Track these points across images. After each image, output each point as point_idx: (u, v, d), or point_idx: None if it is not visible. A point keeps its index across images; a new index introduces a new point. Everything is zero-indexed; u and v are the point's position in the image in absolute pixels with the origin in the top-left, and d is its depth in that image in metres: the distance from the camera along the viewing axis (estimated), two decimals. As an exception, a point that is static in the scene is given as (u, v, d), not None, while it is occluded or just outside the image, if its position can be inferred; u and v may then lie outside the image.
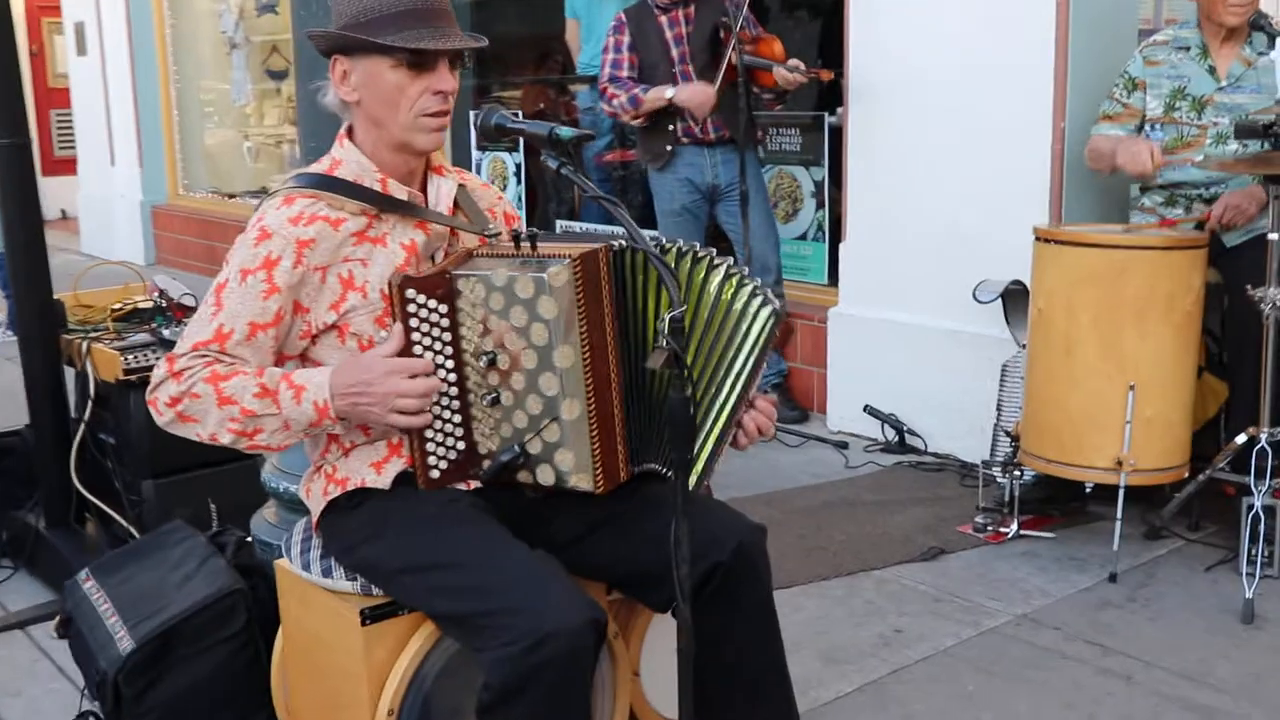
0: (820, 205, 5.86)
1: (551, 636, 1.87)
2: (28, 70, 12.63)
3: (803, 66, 4.99)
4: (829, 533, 4.04)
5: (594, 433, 2.02)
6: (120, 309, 3.92)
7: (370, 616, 2.11)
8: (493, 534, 2.05)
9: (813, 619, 3.39)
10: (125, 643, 2.50)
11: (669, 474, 2.03)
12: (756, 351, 2.05)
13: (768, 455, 4.91)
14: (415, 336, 2.05)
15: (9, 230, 3.68)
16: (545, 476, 2.06)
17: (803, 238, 5.93)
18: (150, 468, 3.61)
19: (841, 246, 5.24)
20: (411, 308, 2.04)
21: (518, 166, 7.21)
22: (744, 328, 2.04)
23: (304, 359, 2.18)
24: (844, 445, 5.01)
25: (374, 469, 2.14)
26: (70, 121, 11.32)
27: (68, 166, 11.87)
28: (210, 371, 2.04)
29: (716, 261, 2.06)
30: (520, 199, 7.20)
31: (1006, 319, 4.40)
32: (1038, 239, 3.74)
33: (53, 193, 12.64)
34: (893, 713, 2.90)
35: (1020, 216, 4.33)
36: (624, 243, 2.03)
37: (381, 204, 2.14)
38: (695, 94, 5.02)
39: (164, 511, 3.63)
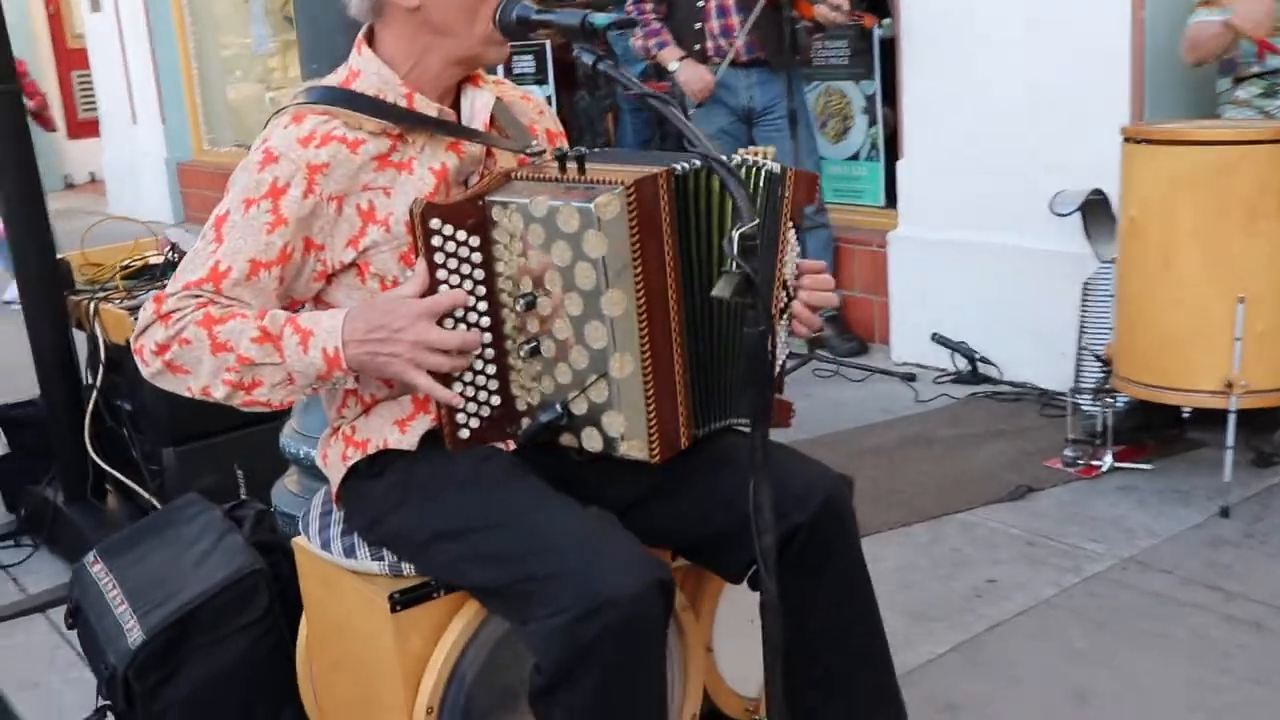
0: (872, 122, 5.49)
1: (609, 604, 1.58)
2: (45, 31, 12.38)
3: (845, 6, 4.66)
4: (905, 474, 3.73)
5: (650, 394, 1.71)
6: (129, 266, 3.64)
7: (401, 602, 1.82)
8: (534, 491, 1.75)
9: (894, 571, 3.08)
10: (135, 634, 2.23)
11: (739, 426, 1.73)
12: (770, 224, 1.77)
13: (828, 392, 4.60)
14: (441, 275, 1.74)
15: (3, 182, 3.39)
16: (591, 442, 1.76)
17: (854, 157, 5.56)
18: (170, 435, 3.34)
19: (899, 164, 4.89)
20: (437, 240, 1.73)
21: (549, 100, 6.85)
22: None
23: (318, 304, 1.88)
24: (912, 378, 4.68)
25: (398, 427, 1.84)
26: (91, 82, 11.06)
27: (92, 129, 11.62)
28: (203, 314, 1.73)
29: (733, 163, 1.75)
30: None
31: (1087, 232, 4.05)
32: (1127, 140, 3.37)
33: (79, 156, 12.43)
34: (996, 675, 2.60)
35: (1098, 119, 3.99)
36: (686, 165, 1.72)
37: (408, 122, 1.82)
38: (693, 79, 4.87)
39: (187, 481, 3.37)
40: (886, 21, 5.13)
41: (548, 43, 6.50)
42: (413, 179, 1.82)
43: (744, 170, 1.77)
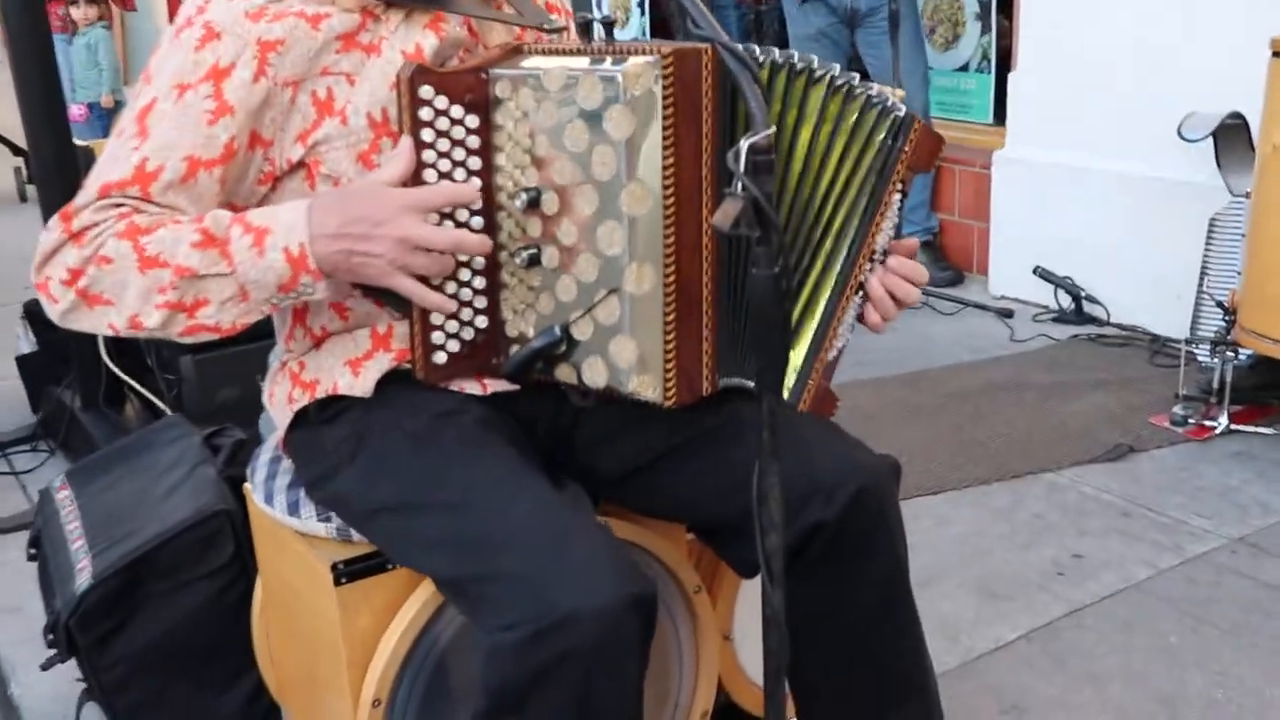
0: (985, 30, 5.00)
1: (570, 620, 1.26)
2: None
3: None
4: (991, 423, 3.34)
5: (671, 317, 1.38)
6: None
7: (346, 573, 1.53)
8: (498, 463, 1.43)
9: (966, 537, 2.72)
10: (84, 576, 1.98)
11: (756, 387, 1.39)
12: (874, 178, 1.42)
13: (915, 325, 4.21)
14: (428, 157, 1.42)
15: (15, 53, 3.12)
16: (594, 374, 1.43)
17: (964, 69, 5.08)
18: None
19: (1011, 77, 4.45)
20: (427, 113, 1.41)
21: (640, -3, 6.44)
22: (855, 150, 1.41)
23: None
24: (1009, 314, 4.28)
25: (350, 369, 1.53)
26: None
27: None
28: (126, 224, 1.40)
29: (819, 72, 1.40)
30: (644, 34, 6.44)
31: (1218, 161, 3.58)
32: (1276, 54, 2.89)
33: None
34: (1070, 671, 2.24)
35: (1240, 30, 3.49)
36: (776, 51, 1.39)
37: None
38: None
39: (206, 393, 3.14)
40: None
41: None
42: (381, 63, 1.48)
43: (863, 101, 1.41)
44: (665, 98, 1.33)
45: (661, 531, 1.69)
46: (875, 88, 1.42)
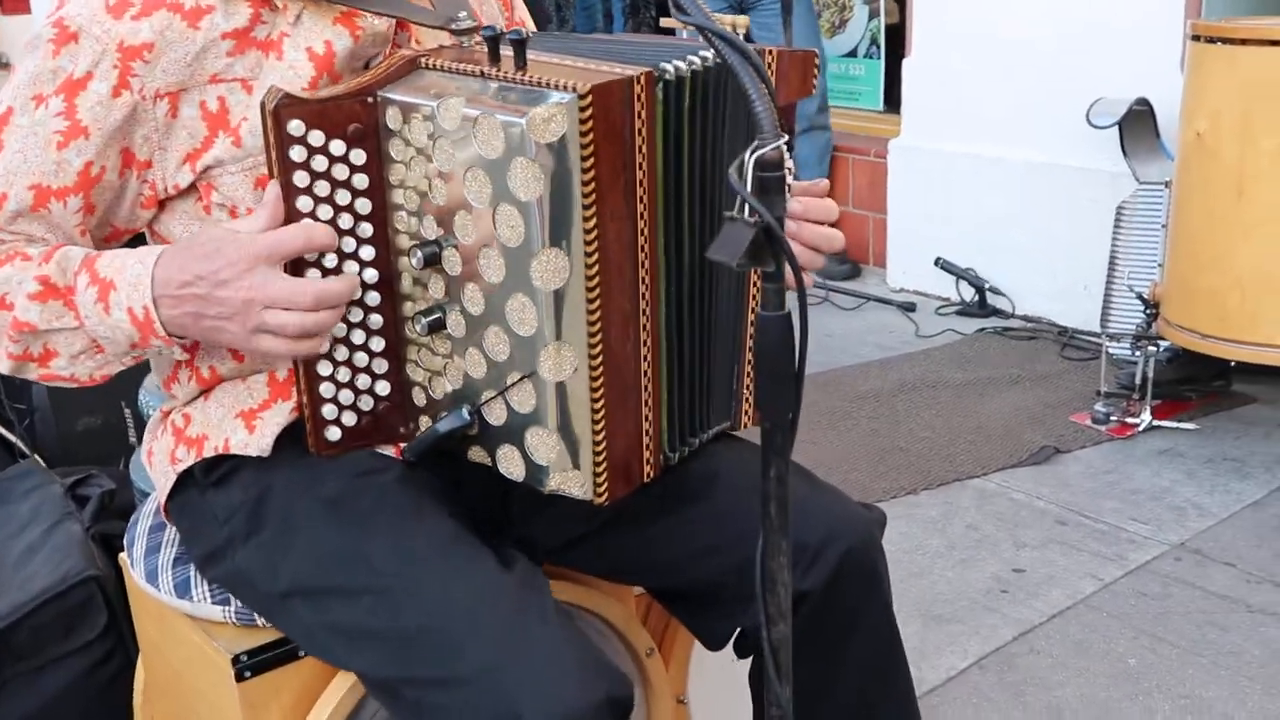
0: (874, 14, 4.88)
1: None
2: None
3: None
4: (909, 427, 3.20)
5: (600, 407, 1.15)
6: None
7: (251, 666, 1.29)
8: (434, 534, 1.21)
9: (901, 554, 2.57)
10: (-73, 660, 1.70)
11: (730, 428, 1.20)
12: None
13: (815, 320, 4.05)
14: (304, 204, 1.17)
15: None
16: (509, 465, 1.20)
17: (853, 54, 4.96)
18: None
19: (905, 63, 4.32)
20: (299, 153, 1.16)
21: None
22: None
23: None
24: (911, 307, 4.16)
25: (243, 422, 1.28)
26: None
27: (23, 4, 10.77)
28: None
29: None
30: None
31: (1124, 149, 3.49)
32: (1197, 38, 2.80)
33: (14, 34, 11.58)
34: (1030, 703, 2.10)
35: (1144, 12, 3.41)
36: (683, 62, 1.17)
37: None
38: None
39: (63, 422, 2.81)
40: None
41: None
42: (280, 67, 1.23)
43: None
44: (584, 147, 1.08)
45: (607, 590, 1.48)
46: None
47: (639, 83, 1.11)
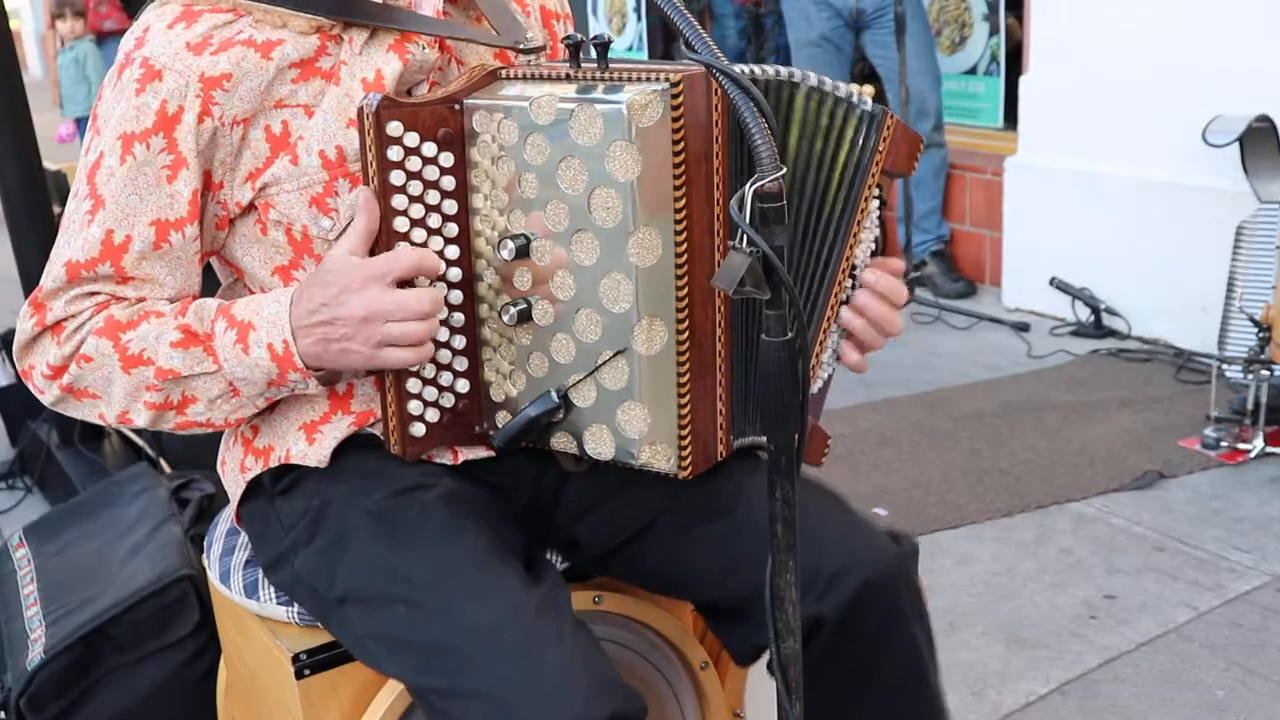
0: (994, 30, 4.84)
1: None
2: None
3: None
4: (1011, 448, 3.17)
5: (685, 380, 1.23)
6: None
7: (310, 665, 1.37)
8: (467, 553, 1.27)
9: (990, 576, 2.55)
10: (36, 648, 1.82)
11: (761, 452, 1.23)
12: (849, 182, 1.28)
13: (926, 339, 4.05)
14: (399, 202, 1.25)
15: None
16: (599, 444, 1.27)
17: (972, 71, 4.92)
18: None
19: (1022, 80, 4.27)
20: (396, 153, 1.24)
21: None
22: (829, 152, 1.28)
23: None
24: (1025, 327, 4.11)
25: (304, 434, 1.36)
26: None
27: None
28: (105, 319, 1.28)
29: (797, 79, 1.26)
30: (641, 39, 6.26)
31: (1245, 167, 3.41)
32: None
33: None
34: (1110, 731, 2.08)
35: (1264, 30, 3.31)
36: (750, 70, 1.23)
37: (347, 12, 1.31)
38: None
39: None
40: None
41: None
42: (336, 94, 1.31)
43: (832, 100, 1.26)
44: (675, 131, 1.17)
45: (663, 603, 1.52)
46: (843, 86, 1.27)
47: (715, 78, 1.18)
